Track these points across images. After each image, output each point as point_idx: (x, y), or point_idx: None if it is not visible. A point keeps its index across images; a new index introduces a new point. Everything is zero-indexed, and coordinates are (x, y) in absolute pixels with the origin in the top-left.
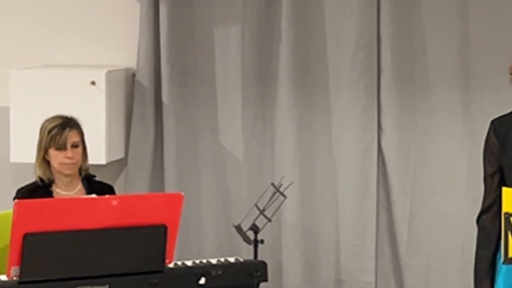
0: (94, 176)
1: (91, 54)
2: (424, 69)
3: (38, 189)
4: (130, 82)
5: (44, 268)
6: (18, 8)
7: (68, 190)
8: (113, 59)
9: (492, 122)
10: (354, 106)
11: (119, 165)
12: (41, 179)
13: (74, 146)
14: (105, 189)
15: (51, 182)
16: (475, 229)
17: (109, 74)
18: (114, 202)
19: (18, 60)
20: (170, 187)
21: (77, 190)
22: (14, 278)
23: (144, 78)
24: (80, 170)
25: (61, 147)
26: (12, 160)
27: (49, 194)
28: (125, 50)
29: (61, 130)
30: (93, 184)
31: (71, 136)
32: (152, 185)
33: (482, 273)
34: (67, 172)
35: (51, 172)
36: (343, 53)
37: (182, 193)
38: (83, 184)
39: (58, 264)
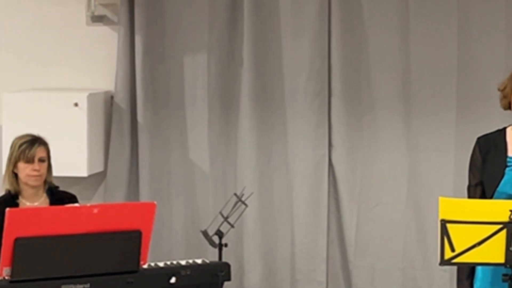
0: (57, 187)
1: (74, 79)
2: (370, 93)
3: (6, 201)
4: (109, 104)
5: (33, 269)
6: (9, 38)
7: (33, 201)
8: (93, 83)
9: (478, 139)
10: (307, 126)
11: (99, 177)
12: (9, 191)
13: (41, 160)
14: (68, 198)
15: (17, 194)
16: (415, 234)
17: (90, 96)
18: (95, 210)
19: (9, 84)
20: (144, 197)
21: (41, 201)
22: (6, 278)
23: (122, 100)
24: (45, 183)
25: (30, 160)
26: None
27: (15, 206)
28: (104, 75)
29: (31, 145)
30: (56, 194)
31: (39, 152)
32: (128, 195)
33: (462, 276)
34: (33, 183)
35: (18, 184)
36: (298, 78)
37: (155, 202)
38: (47, 195)
39: (46, 265)
